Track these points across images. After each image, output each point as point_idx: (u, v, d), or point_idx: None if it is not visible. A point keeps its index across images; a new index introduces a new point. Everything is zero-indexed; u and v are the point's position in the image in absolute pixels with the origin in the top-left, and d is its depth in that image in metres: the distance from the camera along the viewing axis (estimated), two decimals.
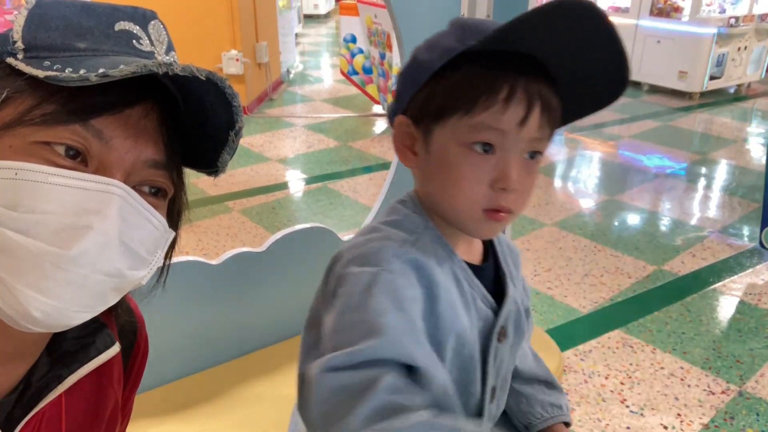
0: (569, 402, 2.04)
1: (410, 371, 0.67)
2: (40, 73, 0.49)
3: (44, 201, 0.48)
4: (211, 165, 0.63)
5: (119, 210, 0.51)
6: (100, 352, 0.63)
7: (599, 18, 0.63)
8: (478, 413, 0.86)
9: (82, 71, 0.49)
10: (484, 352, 0.82)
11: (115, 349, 0.65)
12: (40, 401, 0.58)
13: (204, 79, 0.51)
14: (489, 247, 0.89)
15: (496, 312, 0.83)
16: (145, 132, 0.55)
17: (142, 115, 0.55)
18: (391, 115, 0.81)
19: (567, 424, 1.00)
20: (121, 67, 0.48)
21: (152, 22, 0.58)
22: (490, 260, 0.88)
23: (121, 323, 0.71)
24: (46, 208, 0.48)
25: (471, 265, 0.82)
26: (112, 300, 0.55)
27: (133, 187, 0.54)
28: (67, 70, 0.49)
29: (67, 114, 0.50)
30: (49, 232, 0.48)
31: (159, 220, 0.57)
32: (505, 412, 1.00)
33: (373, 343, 0.64)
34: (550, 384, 1.03)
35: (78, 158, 0.51)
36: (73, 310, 0.51)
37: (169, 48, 0.60)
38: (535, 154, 0.74)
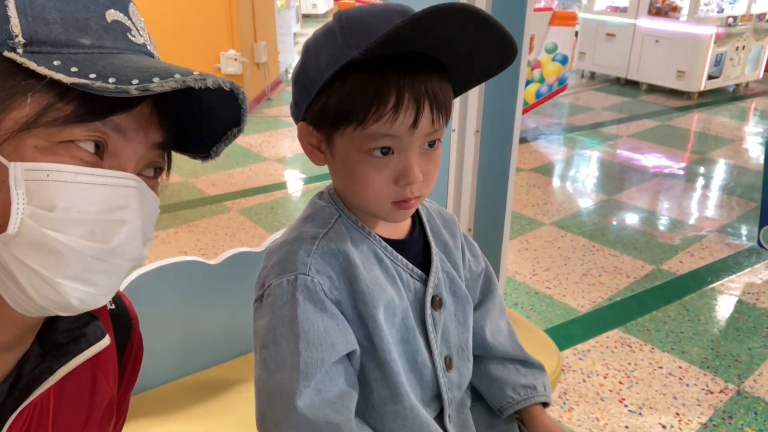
0: (568, 400, 2.05)
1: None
2: (65, 79, 0.49)
3: (77, 200, 0.51)
4: (202, 151, 0.65)
5: (139, 201, 0.55)
6: (91, 344, 0.63)
7: (470, 12, 0.65)
8: (436, 383, 0.90)
9: (111, 80, 0.49)
10: (423, 322, 0.88)
11: (106, 341, 0.65)
12: (31, 393, 0.59)
13: (228, 90, 0.55)
14: (416, 220, 0.93)
15: (426, 282, 0.89)
16: (152, 123, 0.57)
17: (150, 107, 0.57)
18: (294, 118, 0.84)
19: (546, 405, 0.99)
20: (157, 80, 0.49)
21: (130, 7, 0.59)
22: (417, 233, 0.92)
23: (114, 318, 0.72)
24: (80, 206, 0.51)
25: (394, 241, 0.87)
26: (124, 278, 0.59)
27: (139, 174, 0.57)
28: (91, 76, 0.49)
29: (88, 114, 0.51)
30: (87, 229, 0.51)
31: (156, 200, 0.60)
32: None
33: (315, 355, 0.75)
34: (524, 363, 1.02)
35: (97, 152, 0.53)
36: (102, 294, 0.55)
37: (148, 34, 0.62)
38: (433, 143, 0.77)
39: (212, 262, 1.36)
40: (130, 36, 0.57)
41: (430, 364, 0.88)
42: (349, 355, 0.81)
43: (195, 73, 0.51)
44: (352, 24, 0.73)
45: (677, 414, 2.03)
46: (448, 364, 0.91)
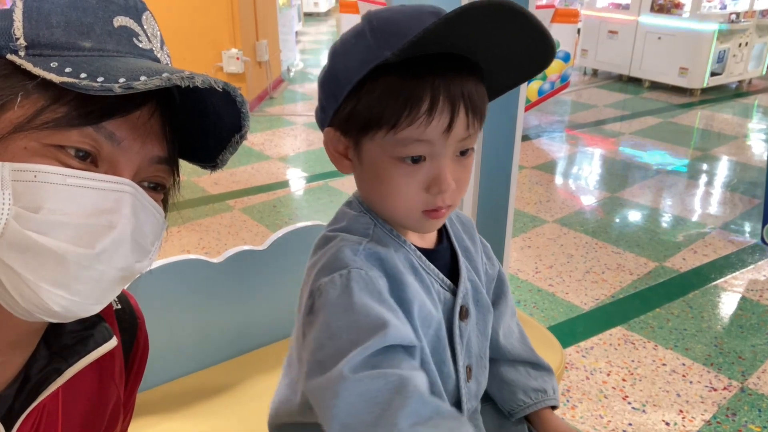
0: (571, 398, 2.05)
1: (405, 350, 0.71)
2: (55, 78, 0.49)
3: (64, 202, 0.50)
4: (209, 160, 0.64)
5: (132, 208, 0.54)
6: (98, 345, 0.63)
7: (508, 8, 0.61)
8: (457, 393, 0.88)
9: (100, 79, 0.49)
10: (450, 332, 0.85)
11: (113, 342, 0.65)
12: (40, 394, 0.59)
13: (221, 90, 0.53)
14: (443, 229, 0.90)
15: (455, 293, 0.85)
16: (152, 132, 0.56)
17: (149, 115, 0.56)
18: (320, 124, 0.81)
19: (554, 408, 0.99)
20: (143, 78, 0.49)
21: (144, 15, 0.58)
22: (444, 241, 0.89)
23: (120, 317, 0.72)
24: (67, 209, 0.50)
25: (425, 251, 0.84)
26: (119, 290, 0.58)
27: (138, 183, 0.55)
28: (81, 76, 0.49)
29: (80, 117, 0.51)
30: (72, 233, 0.50)
31: (160, 213, 0.59)
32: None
33: (377, 337, 0.66)
34: (535, 365, 1.01)
35: (89, 160, 0.52)
36: (89, 303, 0.54)
37: (162, 42, 0.61)
38: (466, 151, 0.74)
39: (215, 260, 1.36)
40: (135, 41, 0.56)
41: (454, 374, 0.85)
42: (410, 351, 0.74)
43: (185, 72, 0.51)
44: (384, 25, 0.70)
45: (681, 411, 2.02)
46: (468, 374, 0.89)
